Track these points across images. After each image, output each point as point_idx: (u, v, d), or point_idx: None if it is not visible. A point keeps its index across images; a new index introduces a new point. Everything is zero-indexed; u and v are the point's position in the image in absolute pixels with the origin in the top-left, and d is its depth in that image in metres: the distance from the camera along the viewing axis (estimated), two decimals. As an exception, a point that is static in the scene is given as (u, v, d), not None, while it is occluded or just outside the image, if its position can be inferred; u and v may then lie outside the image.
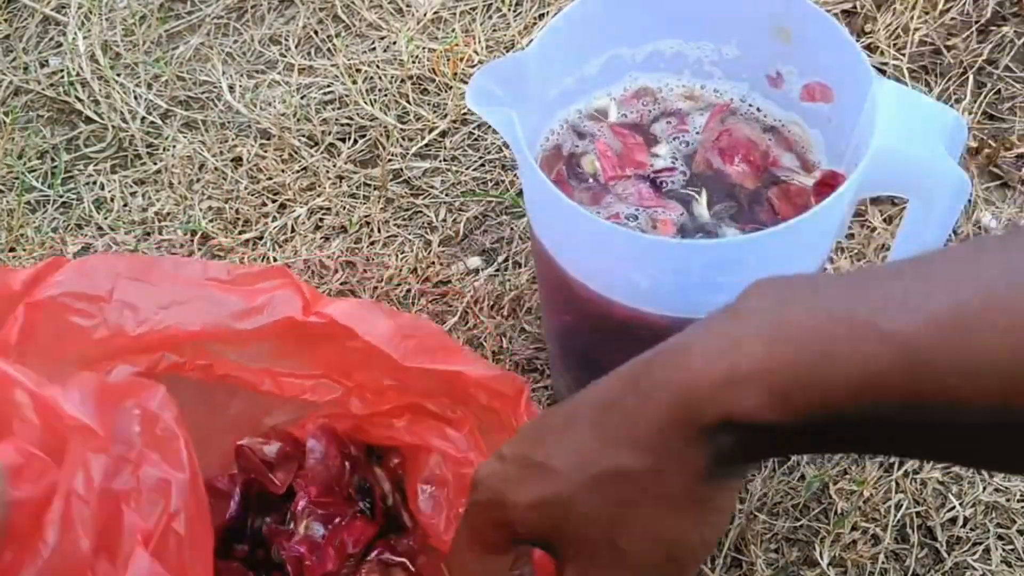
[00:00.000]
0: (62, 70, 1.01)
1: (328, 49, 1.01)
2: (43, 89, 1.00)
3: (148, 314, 0.56)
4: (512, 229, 0.86)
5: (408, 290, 0.83)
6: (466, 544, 0.39)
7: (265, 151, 0.93)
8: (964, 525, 0.70)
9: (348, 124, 0.94)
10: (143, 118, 0.97)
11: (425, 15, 1.01)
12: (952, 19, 0.94)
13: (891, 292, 0.30)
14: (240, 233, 0.88)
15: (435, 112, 0.94)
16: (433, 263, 0.85)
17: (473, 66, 0.96)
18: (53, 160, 0.95)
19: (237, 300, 0.58)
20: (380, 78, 0.97)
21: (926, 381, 0.29)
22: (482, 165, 0.91)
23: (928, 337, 0.28)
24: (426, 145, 0.92)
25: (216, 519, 0.60)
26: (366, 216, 0.88)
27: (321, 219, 0.88)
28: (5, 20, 1.07)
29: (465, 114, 0.93)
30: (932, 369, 0.28)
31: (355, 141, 0.93)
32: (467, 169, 0.90)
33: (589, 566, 0.36)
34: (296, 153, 0.92)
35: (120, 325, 0.56)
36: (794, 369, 0.30)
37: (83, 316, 0.56)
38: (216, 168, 0.92)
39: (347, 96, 0.96)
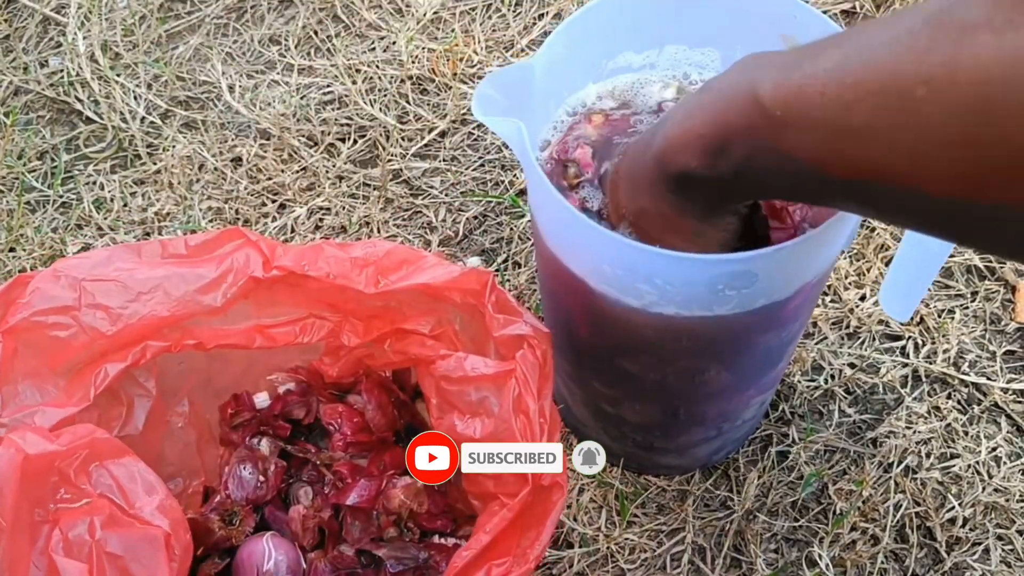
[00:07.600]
0: (62, 70, 1.01)
1: (328, 49, 1.00)
2: (43, 89, 1.00)
3: (119, 311, 0.57)
4: (512, 229, 0.86)
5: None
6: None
7: (265, 151, 0.93)
8: (963, 525, 0.70)
9: (348, 124, 0.94)
10: (143, 118, 0.97)
11: (425, 15, 1.01)
12: (951, 19, 0.94)
13: (785, 61, 0.36)
14: (240, 233, 0.87)
15: (435, 112, 0.94)
16: (433, 263, 0.85)
17: (473, 66, 0.96)
18: (53, 160, 0.95)
19: (200, 272, 0.59)
20: (380, 78, 0.97)
21: (782, 138, 0.36)
22: (481, 165, 0.91)
23: (781, 101, 0.35)
24: (426, 145, 0.92)
25: None
26: (366, 216, 0.88)
27: (321, 219, 0.88)
28: (5, 20, 1.07)
29: (465, 114, 0.93)
30: (780, 126, 0.36)
31: (355, 141, 0.93)
32: (467, 169, 0.90)
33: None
34: (296, 153, 0.92)
35: (95, 327, 0.57)
36: (715, 133, 0.39)
37: (59, 329, 0.57)
38: (216, 168, 0.92)
39: (347, 96, 0.96)
